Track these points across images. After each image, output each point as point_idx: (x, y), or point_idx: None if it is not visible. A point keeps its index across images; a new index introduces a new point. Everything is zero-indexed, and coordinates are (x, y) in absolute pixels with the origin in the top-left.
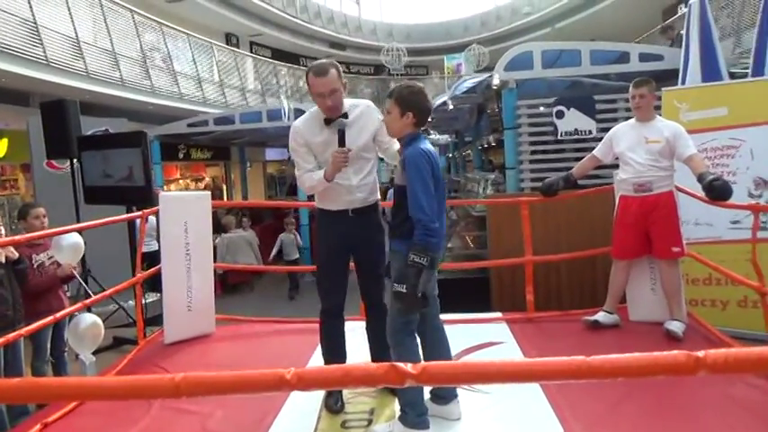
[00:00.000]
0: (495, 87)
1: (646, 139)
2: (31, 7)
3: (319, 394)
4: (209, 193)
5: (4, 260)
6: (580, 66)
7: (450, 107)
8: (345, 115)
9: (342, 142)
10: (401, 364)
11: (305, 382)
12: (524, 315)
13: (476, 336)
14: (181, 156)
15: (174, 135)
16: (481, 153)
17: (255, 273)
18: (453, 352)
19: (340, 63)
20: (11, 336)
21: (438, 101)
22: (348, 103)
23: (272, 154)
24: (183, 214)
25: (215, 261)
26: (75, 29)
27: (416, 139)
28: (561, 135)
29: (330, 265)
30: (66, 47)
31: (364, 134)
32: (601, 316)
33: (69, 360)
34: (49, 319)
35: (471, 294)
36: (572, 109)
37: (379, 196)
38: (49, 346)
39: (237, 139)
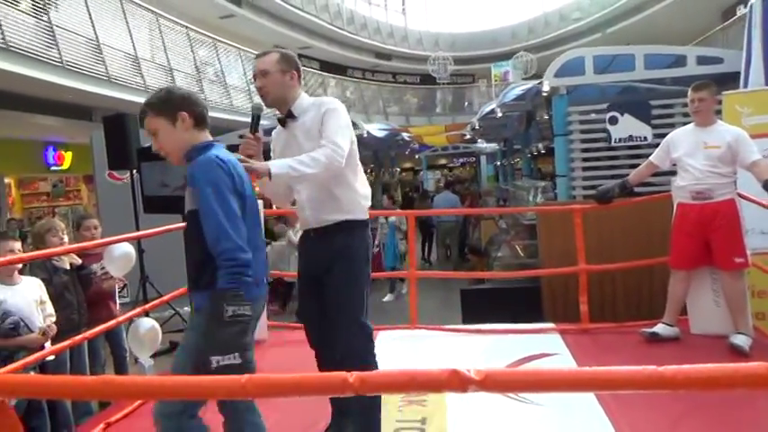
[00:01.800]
0: (544, 94)
1: (705, 144)
2: (93, 27)
3: None
4: (261, 201)
5: (68, 266)
6: (634, 70)
7: (499, 115)
8: (290, 113)
9: (253, 128)
10: (464, 370)
11: (368, 386)
12: (578, 326)
13: (527, 346)
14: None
15: (227, 146)
16: (530, 161)
17: None
18: (504, 362)
19: (386, 73)
20: (77, 338)
21: (486, 109)
22: (309, 101)
23: None
24: None
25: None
26: (134, 46)
27: (207, 148)
28: (615, 142)
29: (299, 292)
30: (125, 63)
31: (312, 137)
32: (660, 328)
33: (129, 364)
34: (101, 327)
35: (521, 304)
36: (626, 115)
37: (353, 215)
38: (102, 352)
39: None
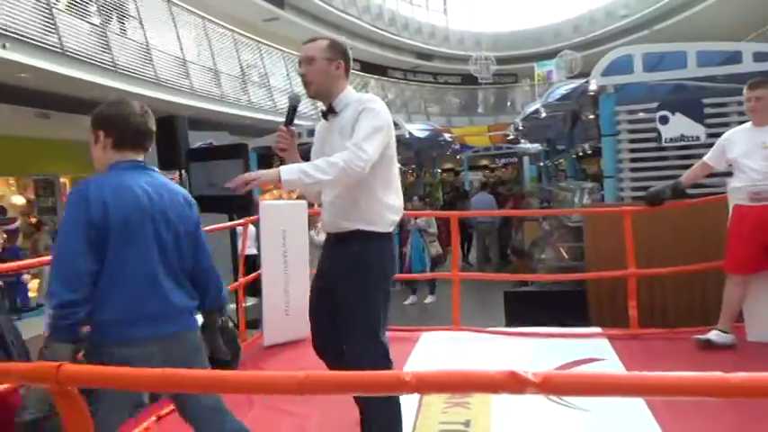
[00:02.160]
0: (591, 93)
1: (763, 144)
2: (144, 31)
3: (415, 401)
4: (306, 202)
5: None
6: (685, 68)
7: (543, 115)
8: (331, 108)
9: (288, 120)
10: (521, 371)
11: (425, 386)
12: (626, 331)
13: (573, 351)
14: (275, 167)
15: (269, 147)
16: (575, 162)
17: None
18: (550, 366)
19: (427, 73)
20: None
21: (529, 109)
22: (353, 97)
23: None
24: (282, 222)
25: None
26: (182, 49)
27: (106, 173)
28: (665, 141)
29: (311, 289)
30: (173, 66)
31: (346, 136)
32: (714, 335)
33: None
34: None
35: (567, 307)
36: (677, 114)
37: (372, 226)
38: None
39: None
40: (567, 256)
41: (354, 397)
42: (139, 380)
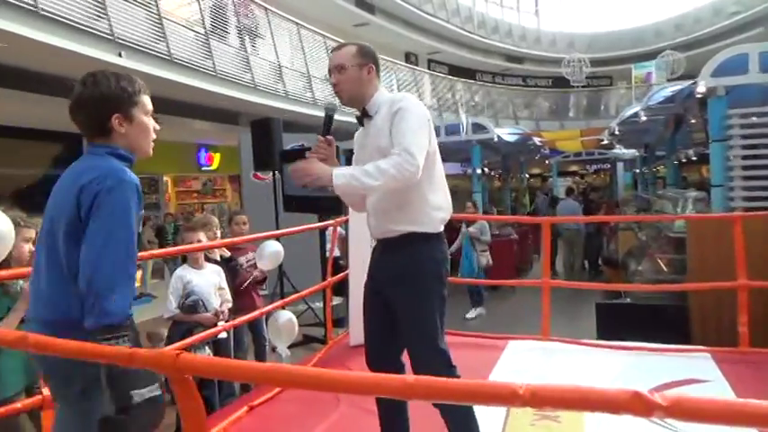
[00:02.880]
0: (699, 96)
1: None
2: (243, 38)
3: (502, 413)
4: None
5: (219, 258)
6: None
7: (643, 119)
8: (365, 112)
9: (326, 130)
10: (647, 393)
11: (538, 400)
12: (735, 350)
13: (673, 369)
14: None
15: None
16: (676, 169)
17: None
18: (646, 385)
19: (517, 77)
20: (227, 325)
21: (627, 112)
22: (385, 97)
23: (447, 169)
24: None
25: None
26: (277, 55)
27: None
28: None
29: (363, 305)
30: (269, 72)
31: (383, 138)
32: None
33: (267, 352)
34: (246, 317)
35: (666, 322)
36: None
37: (420, 227)
38: (245, 339)
39: None
40: (666, 269)
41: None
42: (249, 372)
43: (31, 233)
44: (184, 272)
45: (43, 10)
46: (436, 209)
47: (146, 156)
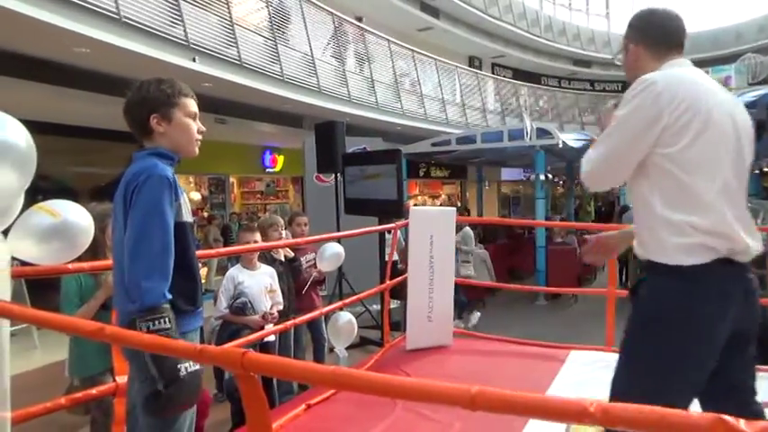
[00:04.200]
0: None
1: None
2: (309, 43)
3: (562, 426)
4: (455, 209)
5: (283, 258)
6: None
7: None
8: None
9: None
10: (732, 420)
11: (610, 419)
12: None
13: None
14: (421, 173)
15: (418, 153)
16: (758, 178)
17: (488, 290)
18: None
19: (584, 81)
20: (288, 323)
21: None
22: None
23: (508, 174)
24: (430, 228)
25: None
26: (343, 60)
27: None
28: None
29: (685, 379)
30: (333, 76)
31: None
32: None
33: (326, 353)
34: (307, 317)
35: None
36: None
37: (652, 255)
38: (304, 338)
39: (476, 158)
40: None
41: None
42: (310, 374)
43: None
44: (237, 272)
45: (125, 17)
46: (675, 230)
47: (190, 156)
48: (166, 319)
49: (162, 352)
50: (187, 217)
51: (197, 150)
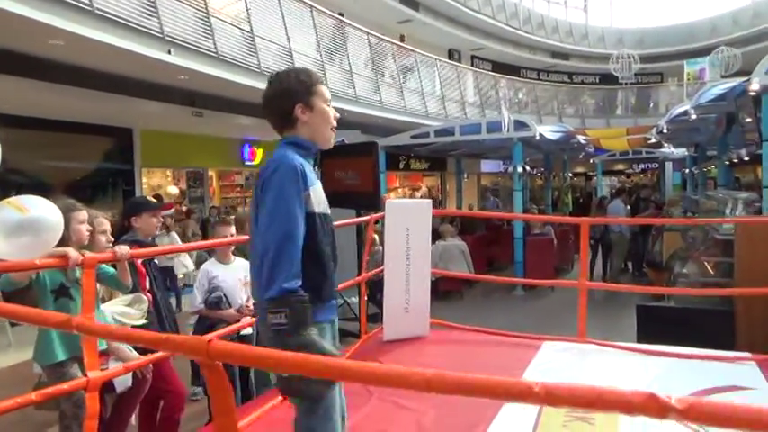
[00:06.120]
0: (752, 93)
1: None
2: (287, 35)
3: (533, 413)
4: (431, 201)
5: None
6: None
7: (693, 117)
8: None
9: None
10: (663, 395)
11: (553, 398)
12: None
13: (715, 375)
14: (401, 166)
15: (397, 146)
16: (728, 169)
17: (466, 281)
18: (685, 391)
19: (562, 73)
20: (252, 321)
21: (677, 110)
22: None
23: (487, 166)
24: (406, 220)
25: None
26: (320, 53)
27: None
28: None
29: None
30: (312, 68)
31: None
32: None
33: None
34: None
35: (709, 327)
36: None
37: None
38: None
39: (455, 150)
40: (712, 272)
41: None
42: (279, 361)
43: (84, 215)
44: (210, 266)
45: (98, 9)
46: None
47: (327, 144)
48: (284, 315)
49: (125, 341)
50: (318, 208)
51: (333, 140)
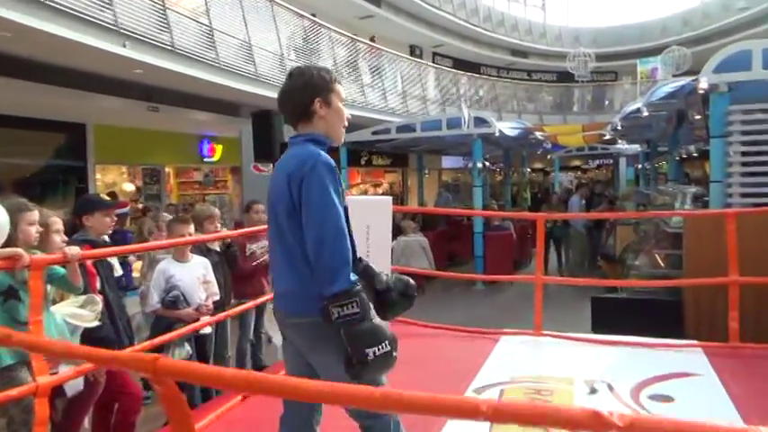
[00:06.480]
0: (701, 92)
1: None
2: (247, 29)
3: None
4: (391, 198)
5: (218, 249)
6: None
7: (645, 114)
8: None
9: None
10: (605, 413)
11: (500, 415)
12: (726, 345)
13: (664, 363)
14: (363, 162)
15: (359, 142)
16: (678, 165)
17: (427, 277)
18: (637, 378)
19: (521, 71)
20: (221, 315)
21: (630, 108)
22: None
23: (448, 162)
24: (366, 217)
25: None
26: (280, 47)
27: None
28: None
29: None
30: (272, 63)
31: None
32: None
33: (264, 343)
34: (250, 304)
35: (660, 317)
36: None
37: None
38: (252, 327)
39: (416, 146)
40: (662, 264)
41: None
42: (223, 380)
43: (35, 216)
44: (167, 265)
45: (48, 0)
46: None
47: (339, 141)
48: (355, 304)
49: (70, 357)
50: (345, 202)
51: (343, 138)
